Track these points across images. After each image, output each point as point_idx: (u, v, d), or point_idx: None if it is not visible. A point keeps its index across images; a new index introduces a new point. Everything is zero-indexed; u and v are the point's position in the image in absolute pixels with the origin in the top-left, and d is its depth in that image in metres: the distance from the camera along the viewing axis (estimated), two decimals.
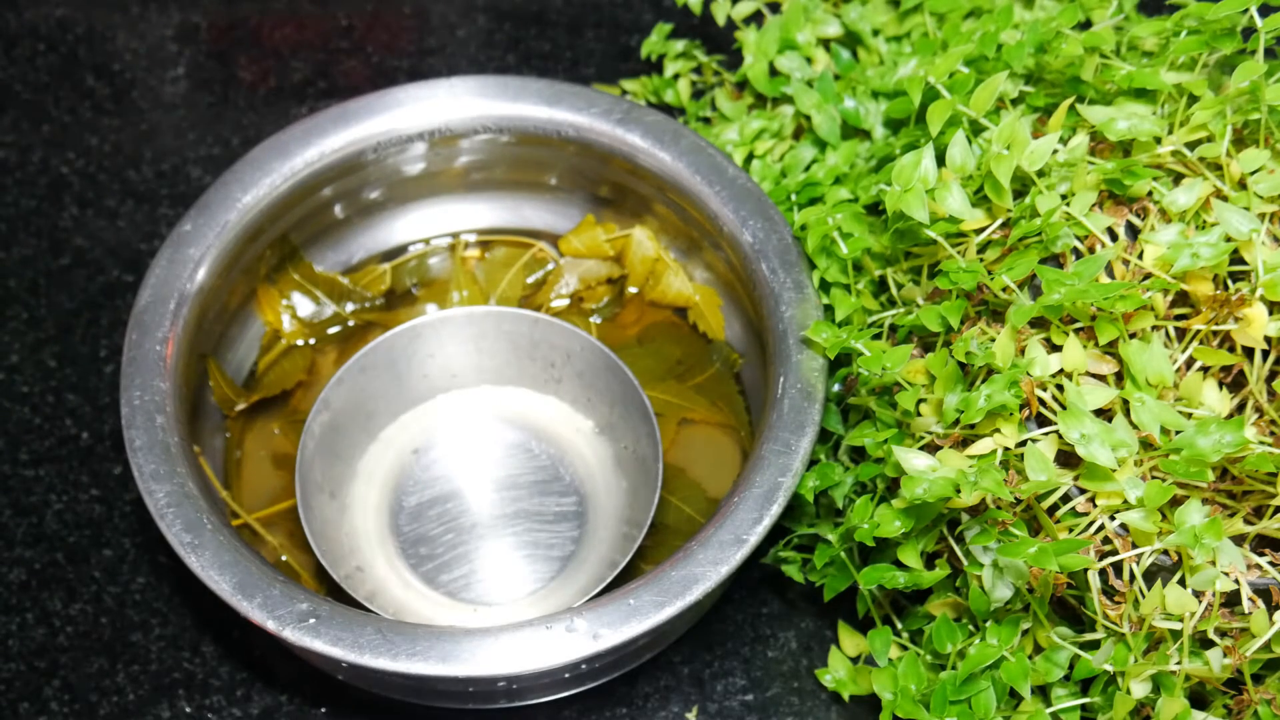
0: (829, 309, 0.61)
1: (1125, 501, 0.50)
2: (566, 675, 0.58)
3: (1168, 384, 0.51)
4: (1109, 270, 0.54)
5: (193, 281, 0.62)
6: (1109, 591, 0.52)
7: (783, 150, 0.71)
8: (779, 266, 0.61)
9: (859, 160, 0.67)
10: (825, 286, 0.62)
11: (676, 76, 0.78)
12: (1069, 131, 0.56)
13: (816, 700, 0.63)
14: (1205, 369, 0.52)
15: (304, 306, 0.70)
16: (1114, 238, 0.54)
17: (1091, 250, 0.54)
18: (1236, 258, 0.52)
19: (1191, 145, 0.54)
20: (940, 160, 0.54)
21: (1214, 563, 0.49)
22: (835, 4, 0.74)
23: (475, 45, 0.85)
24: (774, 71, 0.72)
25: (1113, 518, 0.50)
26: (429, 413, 0.68)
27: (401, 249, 0.73)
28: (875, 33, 0.72)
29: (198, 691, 0.63)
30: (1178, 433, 0.49)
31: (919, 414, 0.55)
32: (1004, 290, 0.53)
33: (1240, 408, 0.52)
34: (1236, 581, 0.49)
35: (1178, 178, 0.55)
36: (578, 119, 0.67)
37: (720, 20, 0.74)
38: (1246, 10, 0.54)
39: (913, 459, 0.51)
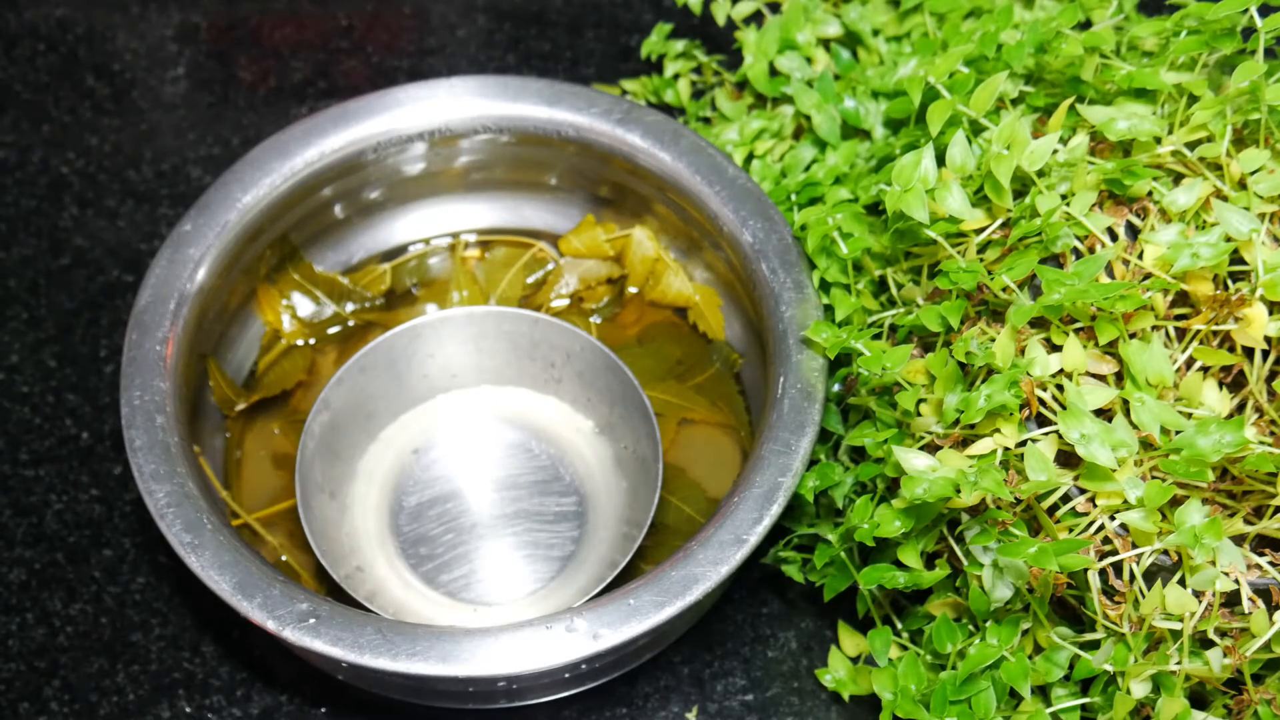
0: (829, 309, 0.61)
1: (1125, 501, 0.50)
2: (566, 675, 0.58)
3: (1168, 384, 0.51)
4: (1109, 270, 0.54)
5: (193, 281, 0.62)
6: (1109, 591, 0.52)
7: (783, 150, 0.71)
8: (779, 266, 0.61)
9: (859, 160, 0.67)
10: (825, 286, 0.62)
11: (676, 76, 0.78)
12: (1069, 131, 0.56)
13: (816, 700, 0.63)
14: (1205, 369, 0.52)
15: (304, 306, 0.70)
16: (1114, 238, 0.54)
17: (1091, 250, 0.54)
18: (1236, 258, 0.52)
19: (1191, 145, 0.54)
20: (940, 160, 0.54)
21: (1214, 563, 0.49)
22: (835, 4, 0.74)
23: (475, 45, 0.85)
24: (774, 71, 0.72)
25: (1113, 518, 0.50)
26: (429, 413, 0.68)
27: (401, 249, 0.73)
28: (875, 33, 0.72)
29: (198, 691, 0.63)
30: (1178, 433, 0.49)
31: (919, 414, 0.55)
32: (1004, 290, 0.53)
33: (1240, 408, 0.52)
34: (1236, 581, 0.49)
35: (1178, 178, 0.55)
36: (578, 119, 0.67)
37: (720, 20, 0.74)
38: (1246, 10, 0.54)
39: (913, 459, 0.51)
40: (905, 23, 0.71)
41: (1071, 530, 0.51)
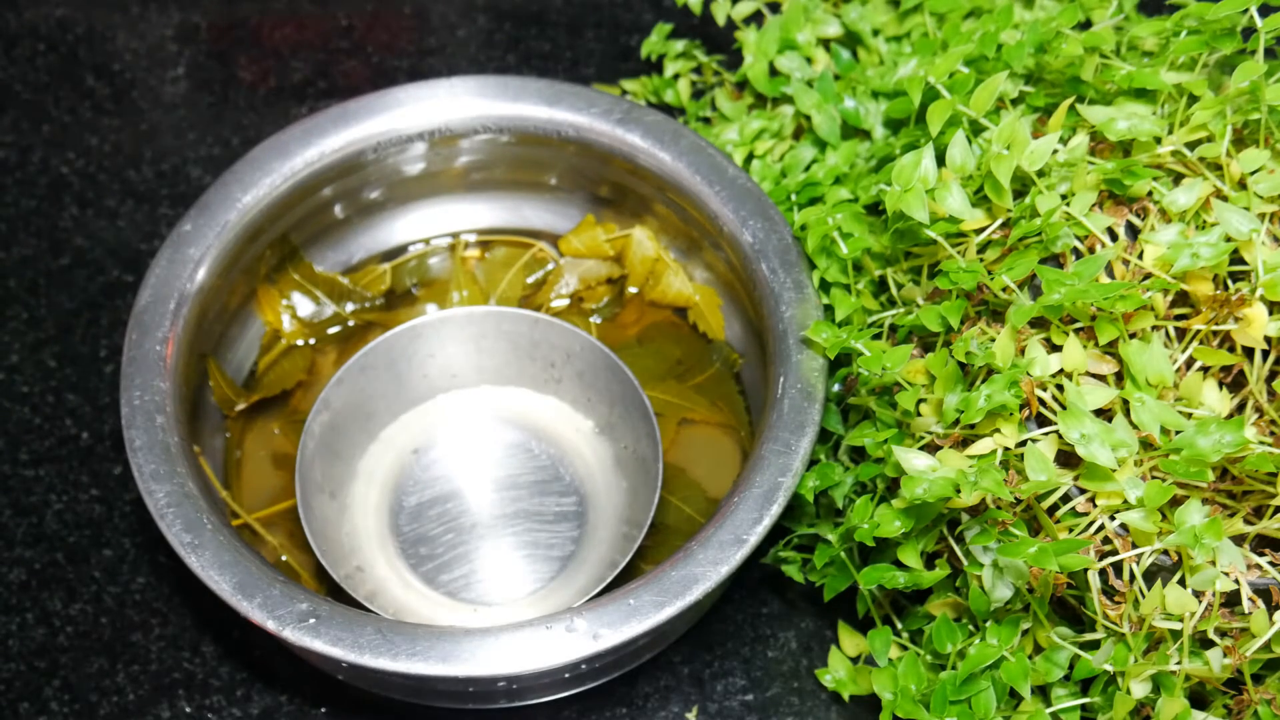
0: (829, 309, 0.61)
1: (1125, 501, 0.50)
2: (566, 675, 0.58)
3: (1168, 384, 0.51)
4: (1109, 270, 0.54)
5: (193, 281, 0.62)
6: (1109, 591, 0.52)
7: (783, 150, 0.71)
8: (779, 266, 0.61)
9: (859, 160, 0.67)
10: (825, 286, 0.62)
11: (676, 76, 0.78)
12: (1069, 131, 0.56)
13: (816, 700, 0.63)
14: (1205, 369, 0.52)
15: (304, 306, 0.70)
16: (1114, 238, 0.54)
17: (1091, 250, 0.54)
18: (1236, 258, 0.52)
19: (1191, 145, 0.54)
20: (940, 160, 0.54)
21: (1214, 563, 0.49)
22: (835, 4, 0.74)
23: (475, 45, 0.85)
24: (774, 71, 0.72)
25: (1113, 518, 0.50)
26: (429, 413, 0.68)
27: (401, 249, 0.73)
28: (875, 33, 0.72)
29: (198, 691, 0.63)
30: (1178, 433, 0.49)
31: (919, 414, 0.55)
32: (1004, 290, 0.53)
33: (1240, 408, 0.52)
34: (1236, 581, 0.49)
35: (1178, 178, 0.55)
36: (578, 119, 0.67)
37: (720, 20, 0.74)
38: (1246, 10, 0.54)
39: (913, 459, 0.51)
40: (905, 23, 0.71)
41: (1071, 530, 0.51)
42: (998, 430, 0.52)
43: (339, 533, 0.64)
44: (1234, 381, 0.53)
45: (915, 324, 0.56)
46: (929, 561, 0.56)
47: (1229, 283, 0.52)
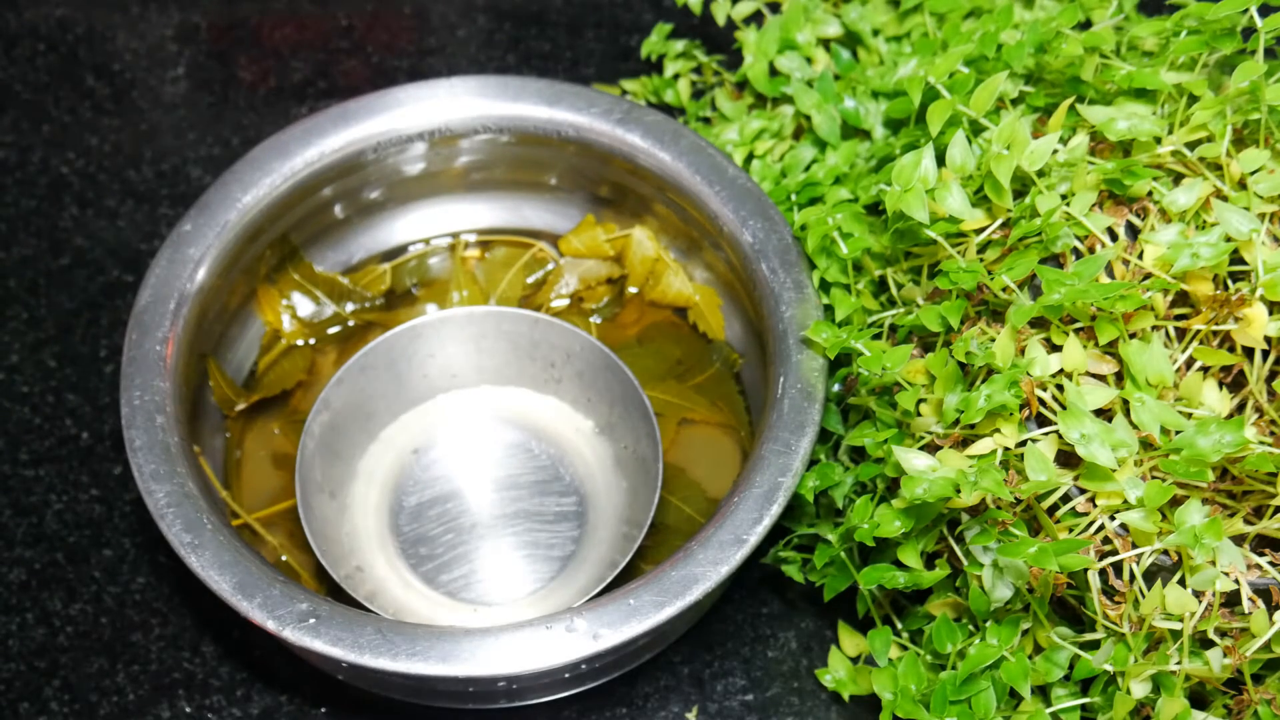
0: (829, 309, 0.61)
1: (1125, 501, 0.50)
2: (566, 675, 0.58)
3: (1168, 384, 0.51)
4: (1109, 270, 0.54)
5: (193, 281, 0.62)
6: (1109, 591, 0.52)
7: (783, 150, 0.71)
8: (779, 266, 0.61)
9: (859, 160, 0.67)
10: (825, 286, 0.62)
11: (676, 76, 0.78)
12: (1069, 131, 0.56)
13: (816, 700, 0.63)
14: (1205, 369, 0.52)
15: (304, 306, 0.70)
16: (1114, 238, 0.54)
17: (1091, 250, 0.54)
18: (1236, 258, 0.52)
19: (1191, 145, 0.54)
20: (940, 160, 0.54)
21: (1214, 563, 0.49)
22: (835, 4, 0.74)
23: (475, 45, 0.85)
24: (774, 71, 0.72)
25: (1113, 518, 0.50)
26: (429, 413, 0.68)
27: (401, 249, 0.73)
28: (875, 33, 0.72)
29: (198, 691, 0.63)
30: (1178, 433, 0.49)
31: (919, 414, 0.55)
32: (1004, 290, 0.53)
33: (1240, 408, 0.52)
34: (1236, 581, 0.49)
35: (1178, 178, 0.55)
36: (578, 119, 0.67)
37: (720, 20, 0.74)
38: (1246, 10, 0.54)
39: (913, 459, 0.51)
40: (905, 23, 0.71)
41: (1071, 530, 0.51)
42: (998, 430, 0.52)
43: (339, 533, 0.64)
44: (1234, 381, 0.53)
45: (915, 324, 0.56)
46: (929, 561, 0.56)
47: (1229, 283, 0.52)
